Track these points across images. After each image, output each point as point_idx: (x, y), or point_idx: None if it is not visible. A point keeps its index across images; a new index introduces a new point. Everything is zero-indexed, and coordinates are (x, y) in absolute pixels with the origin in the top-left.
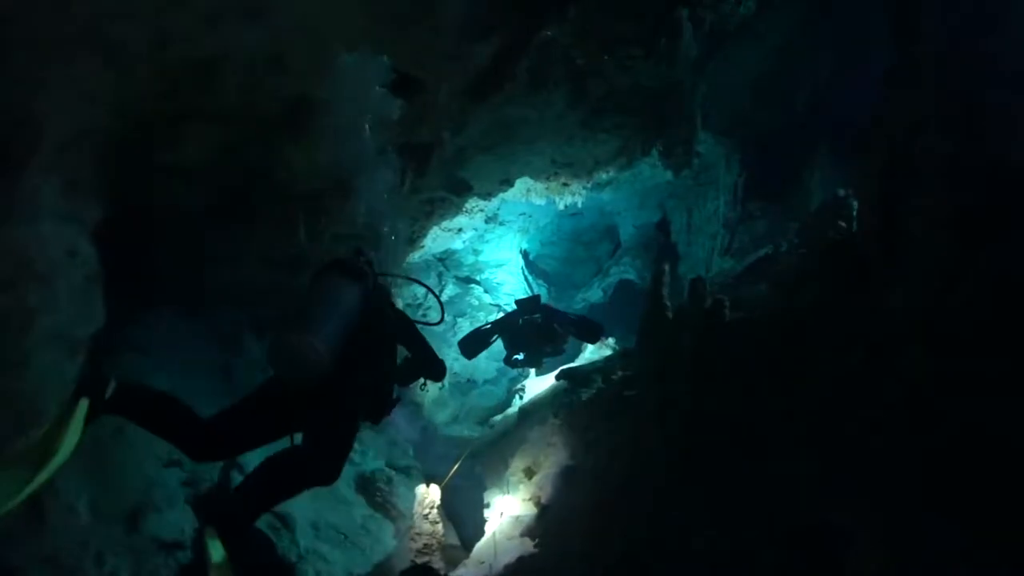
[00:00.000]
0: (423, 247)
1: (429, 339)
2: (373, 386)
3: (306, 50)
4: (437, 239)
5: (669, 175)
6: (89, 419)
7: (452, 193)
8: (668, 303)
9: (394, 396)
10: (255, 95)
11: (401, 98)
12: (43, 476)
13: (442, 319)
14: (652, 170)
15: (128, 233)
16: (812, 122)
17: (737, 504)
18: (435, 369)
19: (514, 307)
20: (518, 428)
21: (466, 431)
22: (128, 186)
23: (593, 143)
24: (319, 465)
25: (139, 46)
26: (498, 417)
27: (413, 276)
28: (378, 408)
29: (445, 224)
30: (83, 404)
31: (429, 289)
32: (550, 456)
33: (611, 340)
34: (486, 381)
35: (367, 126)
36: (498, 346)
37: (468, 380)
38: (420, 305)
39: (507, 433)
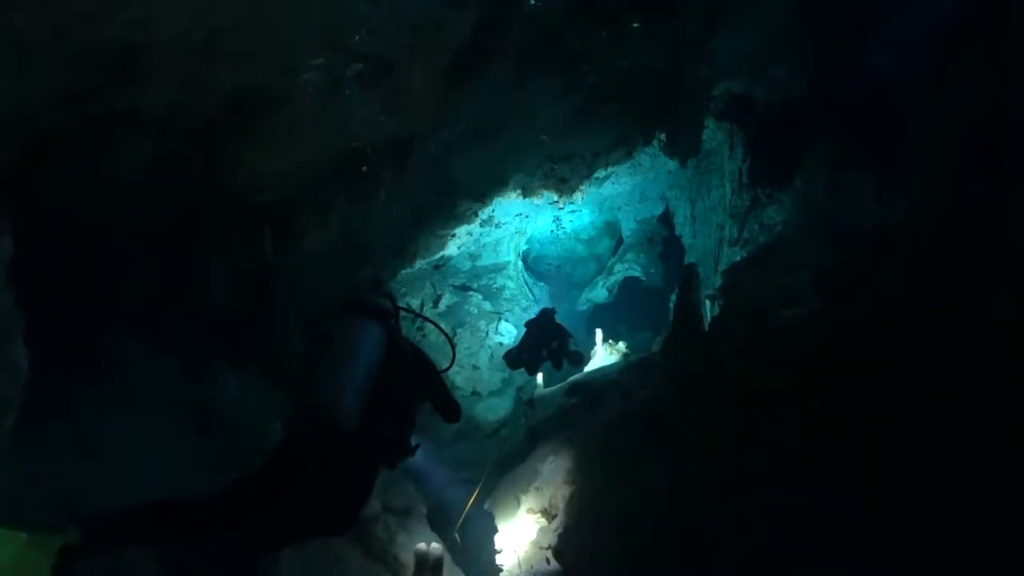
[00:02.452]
0: (413, 256)
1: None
2: (394, 433)
3: (247, 31)
4: (429, 247)
5: (670, 165)
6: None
7: (441, 196)
8: (702, 312)
9: (413, 444)
10: (191, 90)
11: (369, 83)
12: None
13: (451, 365)
14: (653, 160)
15: (73, 263)
16: (815, 100)
17: (813, 569)
18: (451, 411)
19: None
20: (529, 457)
21: (473, 451)
22: (60, 208)
23: (591, 134)
24: (336, 515)
25: (39, 38)
26: (505, 431)
27: (427, 316)
28: (397, 453)
29: (436, 230)
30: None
31: (447, 335)
32: (570, 495)
33: (622, 344)
34: (491, 393)
35: (334, 120)
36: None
37: (473, 392)
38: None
39: (516, 460)
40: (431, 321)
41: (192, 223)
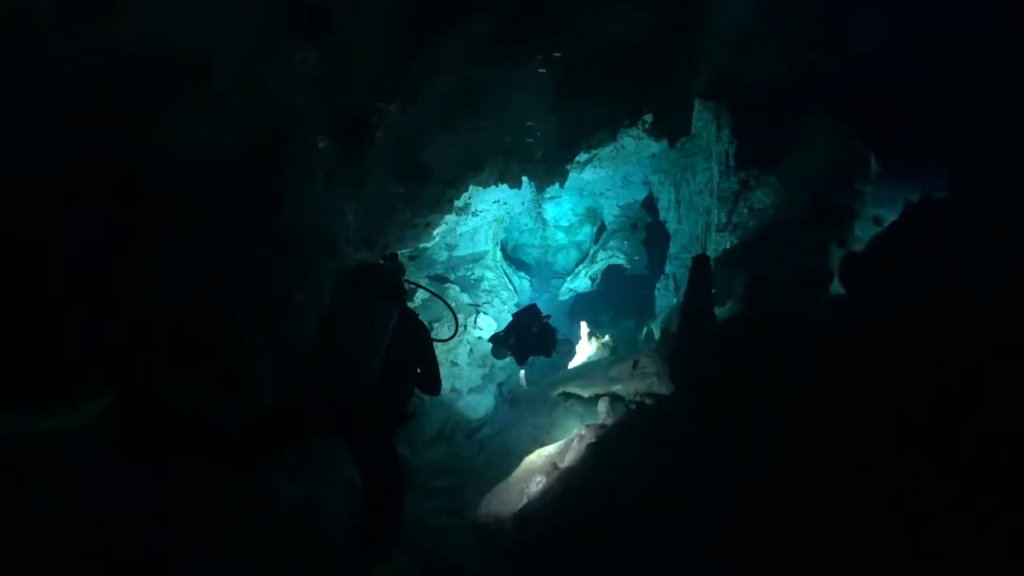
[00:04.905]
0: (384, 247)
1: None
2: (402, 397)
3: None
4: (402, 238)
5: (654, 148)
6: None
7: (411, 182)
8: (712, 311)
9: (410, 411)
10: (91, 58)
11: (306, 41)
12: None
13: (454, 335)
14: (636, 143)
15: None
16: (805, 77)
17: None
18: (434, 385)
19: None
20: (513, 472)
21: (453, 454)
22: None
23: (573, 113)
24: (387, 480)
25: None
26: (488, 430)
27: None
28: (398, 419)
29: (409, 219)
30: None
31: (447, 304)
32: (560, 529)
33: (608, 337)
34: (471, 390)
35: (269, 90)
36: (481, 347)
37: (452, 390)
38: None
39: (499, 473)
40: (435, 294)
41: (123, 221)
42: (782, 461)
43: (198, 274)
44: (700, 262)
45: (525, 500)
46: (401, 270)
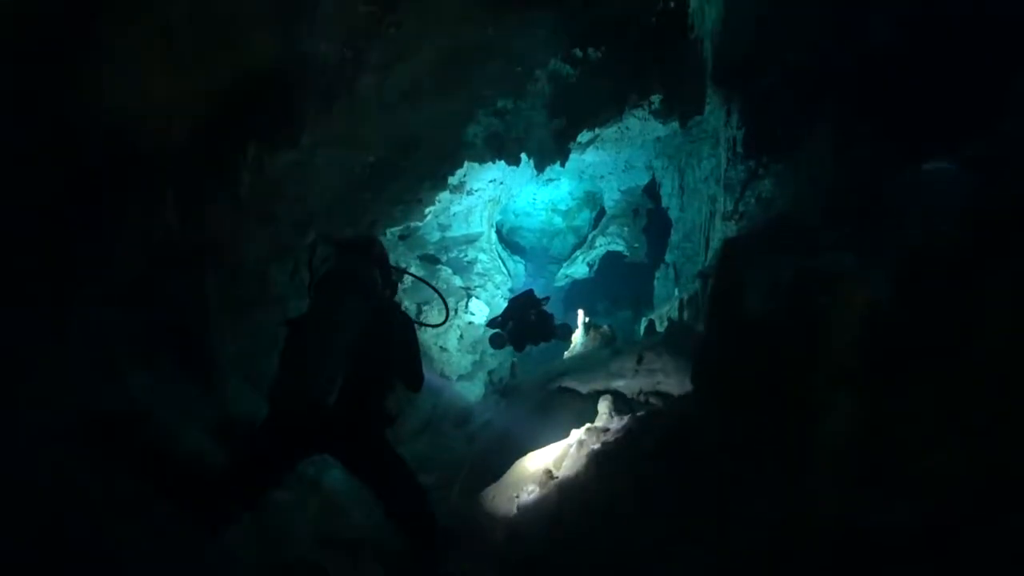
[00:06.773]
0: (371, 225)
1: None
2: (384, 401)
3: None
4: (392, 215)
5: (659, 130)
6: None
7: (399, 154)
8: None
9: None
10: None
11: None
12: None
13: (445, 320)
14: (642, 124)
15: None
16: (819, 63)
17: None
18: (414, 379)
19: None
20: (503, 476)
21: (439, 446)
22: None
23: (579, 87)
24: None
25: None
26: (477, 421)
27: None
28: (381, 424)
29: (399, 194)
30: None
31: (438, 292)
32: (554, 555)
33: (607, 328)
34: (460, 377)
35: (225, 27)
36: (472, 332)
37: (440, 376)
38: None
39: (488, 475)
40: (424, 280)
41: (64, 182)
42: (849, 504)
43: (155, 248)
44: (728, 248)
45: (516, 511)
46: (379, 259)
